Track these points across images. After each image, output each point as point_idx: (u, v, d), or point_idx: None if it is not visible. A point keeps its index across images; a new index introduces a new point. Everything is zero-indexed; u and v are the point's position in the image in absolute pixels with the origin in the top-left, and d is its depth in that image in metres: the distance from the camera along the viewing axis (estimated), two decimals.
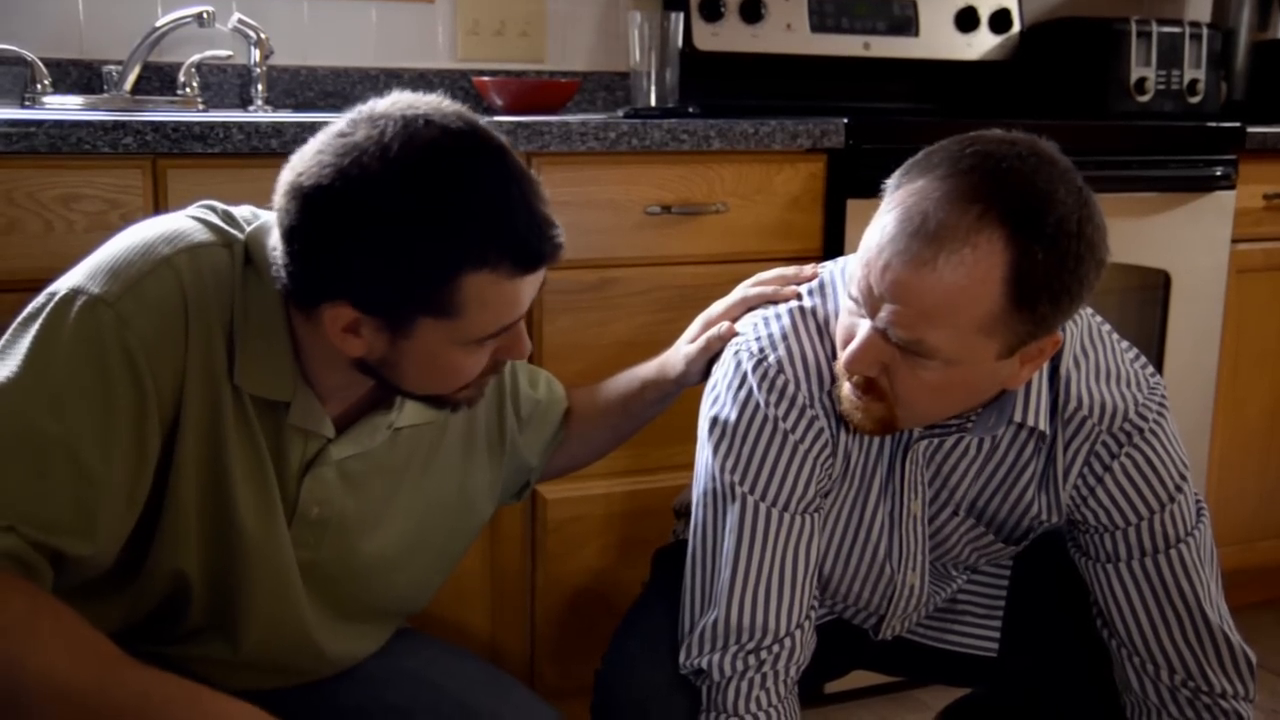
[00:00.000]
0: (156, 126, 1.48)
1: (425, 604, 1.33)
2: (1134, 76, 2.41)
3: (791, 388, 1.20)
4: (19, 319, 1.02)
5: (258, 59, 2.03)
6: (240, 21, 1.98)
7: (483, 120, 1.04)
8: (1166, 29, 2.43)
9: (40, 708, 0.90)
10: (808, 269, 1.30)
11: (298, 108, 2.15)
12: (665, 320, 1.74)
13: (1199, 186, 2.15)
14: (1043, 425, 1.20)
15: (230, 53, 2.04)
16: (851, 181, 1.86)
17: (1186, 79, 2.46)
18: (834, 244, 1.87)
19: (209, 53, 2.01)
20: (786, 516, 1.21)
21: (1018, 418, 1.20)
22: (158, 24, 1.94)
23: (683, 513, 1.46)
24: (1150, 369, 1.25)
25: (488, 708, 1.25)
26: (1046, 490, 1.25)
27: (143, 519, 1.05)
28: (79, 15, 2.01)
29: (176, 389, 1.03)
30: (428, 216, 0.98)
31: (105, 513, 1.00)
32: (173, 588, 1.10)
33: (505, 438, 1.33)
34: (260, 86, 2.04)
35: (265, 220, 1.10)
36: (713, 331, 1.32)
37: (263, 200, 1.15)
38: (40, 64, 1.89)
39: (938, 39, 2.48)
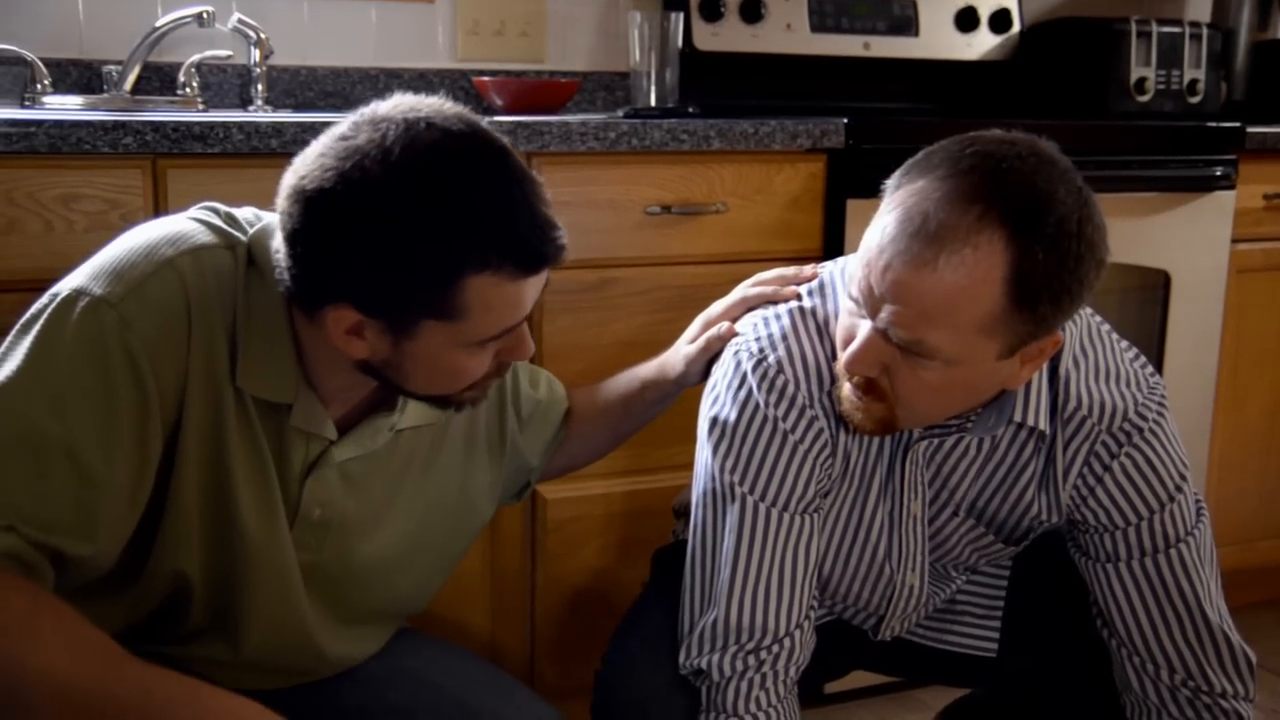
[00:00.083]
0: (156, 126, 1.48)
1: (426, 605, 1.33)
2: (1134, 76, 2.41)
3: (791, 388, 1.20)
4: (22, 320, 1.02)
5: (258, 59, 2.03)
6: (240, 21, 1.98)
7: (484, 122, 1.04)
8: (1166, 29, 2.43)
9: (42, 706, 0.90)
10: (807, 269, 1.30)
11: (298, 108, 2.15)
12: (665, 320, 1.74)
13: (1199, 186, 2.15)
14: (1043, 425, 1.20)
15: (230, 53, 2.04)
16: (851, 181, 1.86)
17: (1186, 79, 2.46)
18: (834, 244, 1.87)
19: (209, 53, 2.01)
20: (786, 516, 1.21)
21: (1017, 417, 1.20)
22: (158, 24, 1.94)
23: (682, 513, 1.46)
24: (1150, 368, 1.25)
25: (488, 707, 1.25)
26: (1046, 490, 1.25)
27: (144, 520, 1.05)
28: (79, 15, 2.01)
29: (179, 390, 1.03)
30: (430, 219, 0.98)
31: (106, 514, 1.00)
32: (174, 589, 1.10)
33: (506, 438, 1.33)
34: (260, 86, 2.05)
35: (268, 222, 1.10)
36: (712, 332, 1.32)
37: (263, 200, 1.15)
38: (40, 64, 1.89)
39: (938, 39, 2.48)
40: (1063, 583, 1.35)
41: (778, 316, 1.24)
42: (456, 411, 1.18)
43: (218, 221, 1.10)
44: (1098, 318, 1.26)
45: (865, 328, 1.11)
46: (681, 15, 2.08)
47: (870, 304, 1.09)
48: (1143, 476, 1.23)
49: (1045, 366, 1.19)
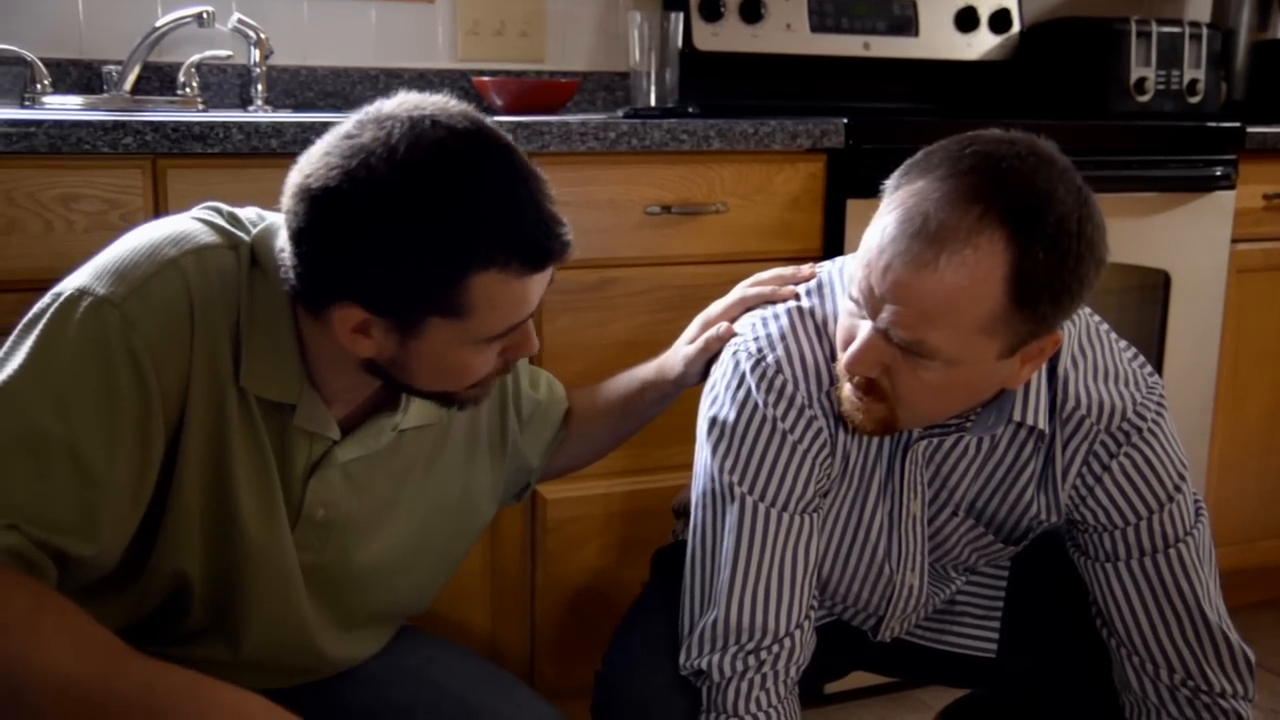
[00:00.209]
0: (156, 126, 1.48)
1: (427, 606, 1.33)
2: (1134, 76, 2.41)
3: (790, 388, 1.20)
4: (24, 319, 1.02)
5: (257, 59, 2.03)
6: (240, 21, 1.98)
7: (489, 120, 1.05)
8: (1166, 29, 2.43)
9: (45, 703, 0.90)
10: (805, 269, 1.30)
11: (297, 108, 2.15)
12: (665, 320, 1.74)
13: (1199, 186, 2.15)
14: (1042, 424, 1.20)
15: (230, 53, 2.04)
16: (851, 181, 1.86)
17: (1186, 79, 2.46)
18: (834, 244, 1.87)
19: (209, 53, 2.02)
20: (785, 516, 1.21)
21: (1017, 416, 1.20)
22: (158, 24, 1.95)
23: (682, 513, 1.46)
24: (1148, 368, 1.25)
25: (489, 706, 1.25)
26: (1045, 490, 1.26)
27: (146, 520, 1.05)
28: (79, 15, 2.01)
29: (181, 390, 1.03)
30: (436, 217, 0.98)
31: (108, 513, 1.00)
32: (174, 588, 1.10)
33: (507, 439, 1.33)
34: (260, 86, 2.05)
35: (271, 222, 1.10)
36: (711, 332, 1.32)
37: (262, 200, 1.15)
38: (40, 64, 1.90)
39: (938, 39, 2.48)
40: (1062, 583, 1.35)
41: (776, 317, 1.24)
42: (459, 410, 1.18)
43: (221, 221, 1.10)
44: (1096, 317, 1.27)
45: (866, 328, 1.11)
46: (681, 15, 2.08)
47: (871, 304, 1.09)
48: (1141, 476, 1.23)
49: (1044, 366, 1.19)
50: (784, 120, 1.86)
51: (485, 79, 2.07)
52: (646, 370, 1.42)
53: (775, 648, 1.21)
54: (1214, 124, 2.22)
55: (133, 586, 1.09)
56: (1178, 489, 1.24)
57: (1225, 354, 2.27)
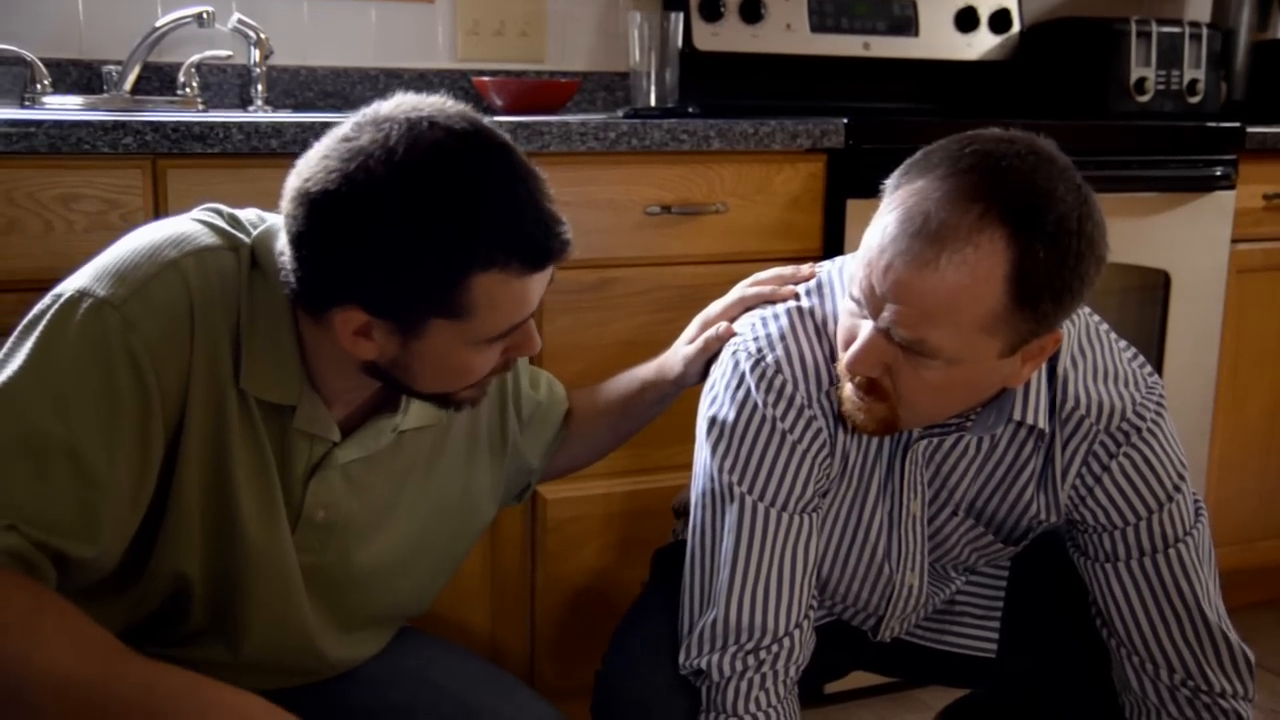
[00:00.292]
0: (156, 126, 1.48)
1: (427, 607, 1.33)
2: (1134, 76, 2.41)
3: (789, 387, 1.20)
4: (24, 320, 1.02)
5: (257, 59, 2.03)
6: (240, 21, 1.98)
7: (487, 120, 1.05)
8: (1166, 29, 2.43)
9: (44, 704, 0.90)
10: (805, 269, 1.30)
11: (297, 108, 2.15)
12: (665, 320, 1.74)
13: (1199, 186, 2.15)
14: (1042, 423, 1.20)
15: (230, 53, 2.04)
16: (851, 181, 1.86)
17: (1186, 79, 2.46)
18: (834, 244, 1.87)
19: (209, 53, 2.02)
20: (785, 516, 1.21)
21: (1017, 416, 1.20)
22: (158, 24, 1.94)
23: (682, 513, 1.46)
24: (1148, 368, 1.25)
25: (489, 707, 1.25)
26: (1045, 490, 1.26)
27: (145, 521, 1.05)
28: (79, 15, 2.01)
29: (181, 392, 1.03)
30: (435, 218, 0.98)
31: (108, 515, 1.00)
32: (174, 590, 1.10)
33: (507, 439, 1.33)
34: (260, 86, 2.05)
35: (272, 224, 1.10)
36: (710, 332, 1.32)
37: (263, 201, 1.15)
38: (40, 64, 1.90)
39: (937, 39, 2.48)
40: (1062, 583, 1.35)
41: (775, 316, 1.24)
42: (457, 410, 1.18)
43: (221, 223, 1.10)
44: (1096, 317, 1.27)
45: (867, 328, 1.11)
46: (681, 15, 2.09)
47: (872, 304, 1.09)
48: (1141, 476, 1.23)
49: (1044, 366, 1.19)
50: (784, 120, 1.86)
51: (485, 79, 2.07)
52: (646, 370, 1.42)
53: (775, 647, 1.21)
54: (1214, 124, 2.22)
55: (133, 588, 1.09)
56: (1177, 489, 1.24)
57: (1225, 354, 2.27)
